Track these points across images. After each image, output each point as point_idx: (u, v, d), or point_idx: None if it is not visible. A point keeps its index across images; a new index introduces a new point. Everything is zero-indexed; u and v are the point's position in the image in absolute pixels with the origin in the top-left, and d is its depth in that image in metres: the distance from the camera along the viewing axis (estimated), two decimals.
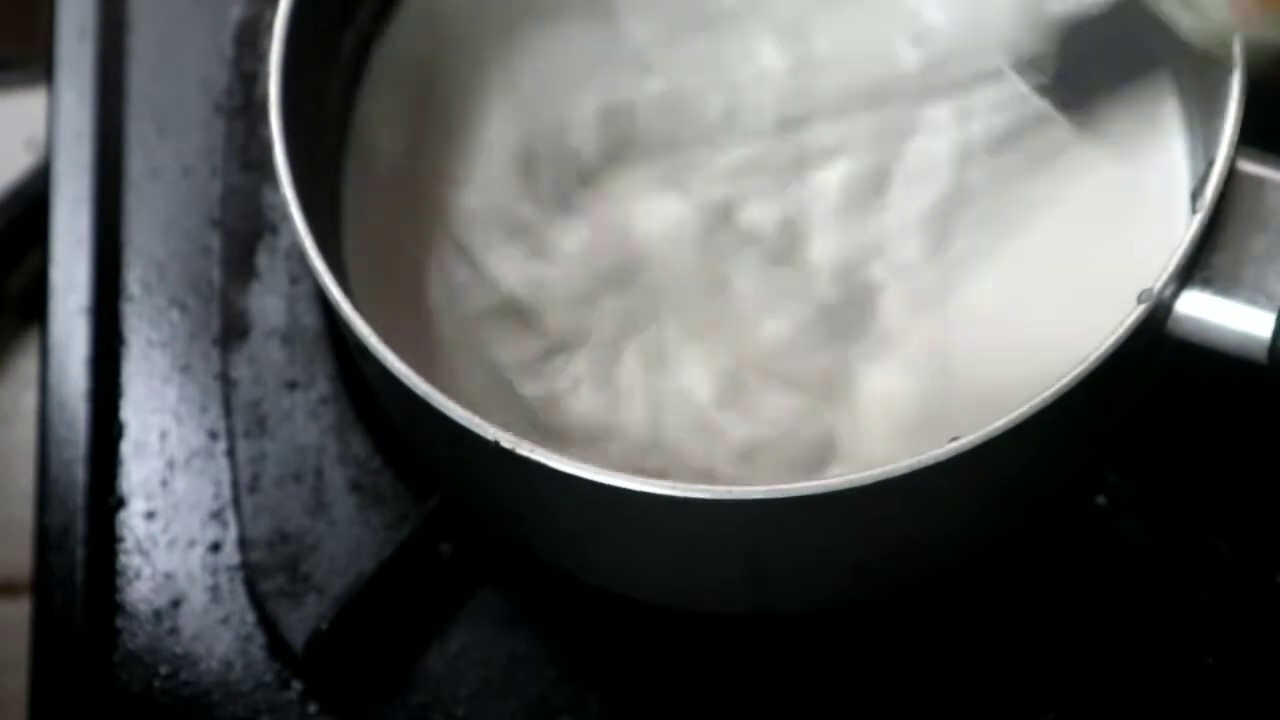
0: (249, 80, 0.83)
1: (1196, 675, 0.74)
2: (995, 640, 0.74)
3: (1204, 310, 0.65)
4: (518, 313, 0.72)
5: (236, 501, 0.77)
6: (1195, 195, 0.65)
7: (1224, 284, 0.64)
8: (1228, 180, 0.64)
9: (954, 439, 0.61)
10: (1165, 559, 0.74)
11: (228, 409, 0.79)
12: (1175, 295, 0.64)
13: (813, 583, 0.71)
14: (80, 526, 0.78)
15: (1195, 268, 0.64)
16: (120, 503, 0.78)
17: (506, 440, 0.62)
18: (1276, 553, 0.75)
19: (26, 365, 0.93)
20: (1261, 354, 0.64)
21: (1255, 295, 0.64)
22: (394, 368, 0.63)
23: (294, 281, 0.80)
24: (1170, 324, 0.65)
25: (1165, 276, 0.63)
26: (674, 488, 0.61)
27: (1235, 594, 0.74)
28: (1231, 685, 0.74)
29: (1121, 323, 0.63)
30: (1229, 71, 0.65)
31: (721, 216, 0.73)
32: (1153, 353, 0.67)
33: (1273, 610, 0.74)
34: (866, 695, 0.74)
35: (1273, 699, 0.73)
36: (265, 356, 0.79)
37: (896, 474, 0.61)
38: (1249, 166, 0.65)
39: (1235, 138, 0.65)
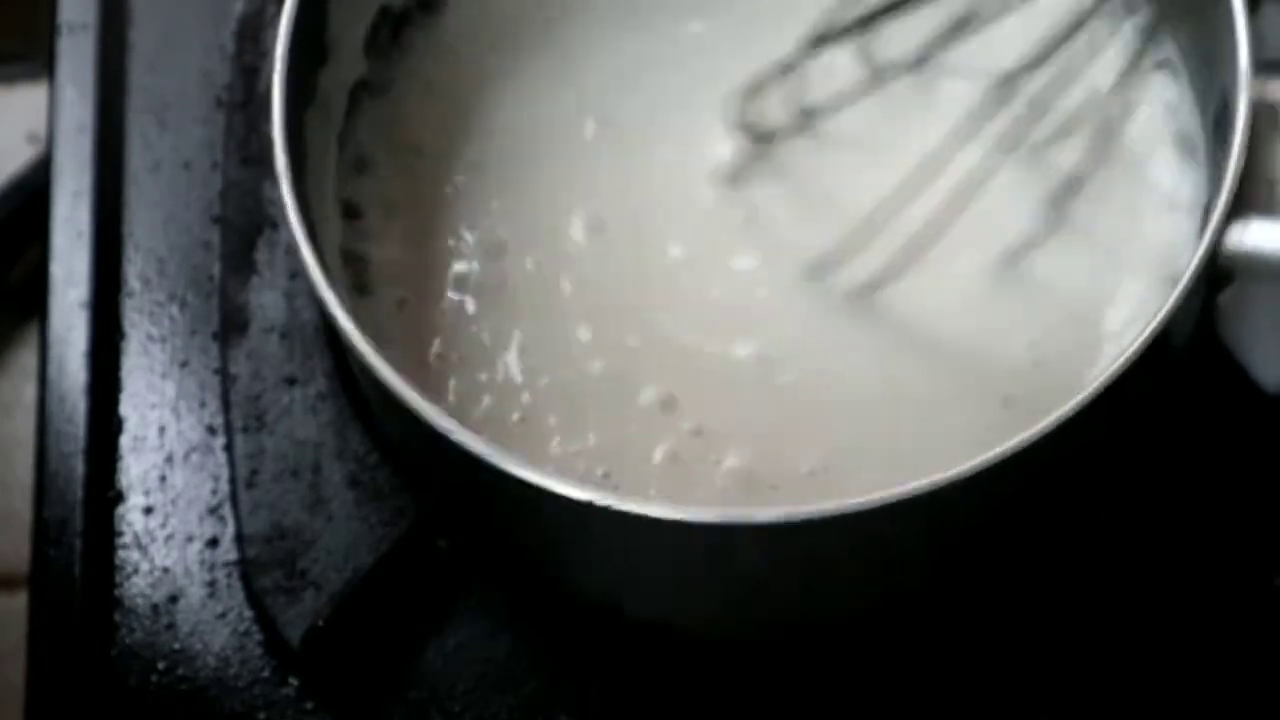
0: (250, 75, 0.83)
1: (1196, 676, 0.74)
2: (995, 642, 0.74)
3: (1257, 238, 0.65)
4: None
5: (234, 497, 0.77)
6: (1219, 126, 0.65)
7: (1268, 208, 0.65)
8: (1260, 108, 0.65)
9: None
10: (1163, 558, 0.74)
11: (226, 404, 0.79)
12: (1223, 231, 0.65)
13: (804, 606, 0.71)
14: (78, 520, 0.78)
15: (1238, 200, 0.65)
16: (119, 497, 0.78)
17: (486, 451, 0.62)
18: (1277, 553, 0.74)
19: (26, 358, 0.93)
20: None
21: None
22: (380, 374, 0.63)
23: (293, 277, 0.80)
24: (1224, 259, 0.65)
25: (1217, 216, 0.64)
26: (649, 507, 0.61)
27: (1235, 594, 0.74)
28: (1231, 685, 0.73)
29: (1188, 266, 0.63)
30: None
31: None
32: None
33: (1273, 610, 0.74)
34: (863, 703, 0.74)
35: (1273, 699, 0.73)
36: (264, 352, 0.79)
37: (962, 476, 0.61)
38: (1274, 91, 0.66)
39: (1250, 63, 0.65)
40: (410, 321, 0.73)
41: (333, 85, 0.75)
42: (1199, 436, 0.75)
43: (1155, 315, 0.63)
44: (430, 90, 0.77)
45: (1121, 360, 0.63)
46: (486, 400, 0.72)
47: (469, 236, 0.75)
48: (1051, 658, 0.74)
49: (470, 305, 0.73)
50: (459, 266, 0.74)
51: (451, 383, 0.72)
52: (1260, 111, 0.65)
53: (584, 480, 0.68)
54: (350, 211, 0.75)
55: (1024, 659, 0.74)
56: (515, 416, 0.71)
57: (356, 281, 0.74)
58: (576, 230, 0.74)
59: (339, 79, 0.75)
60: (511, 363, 0.72)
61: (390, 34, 0.77)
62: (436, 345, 0.73)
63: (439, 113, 0.77)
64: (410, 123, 0.76)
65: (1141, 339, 0.63)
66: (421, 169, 0.76)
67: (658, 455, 0.70)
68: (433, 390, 0.71)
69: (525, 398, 0.72)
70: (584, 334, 0.73)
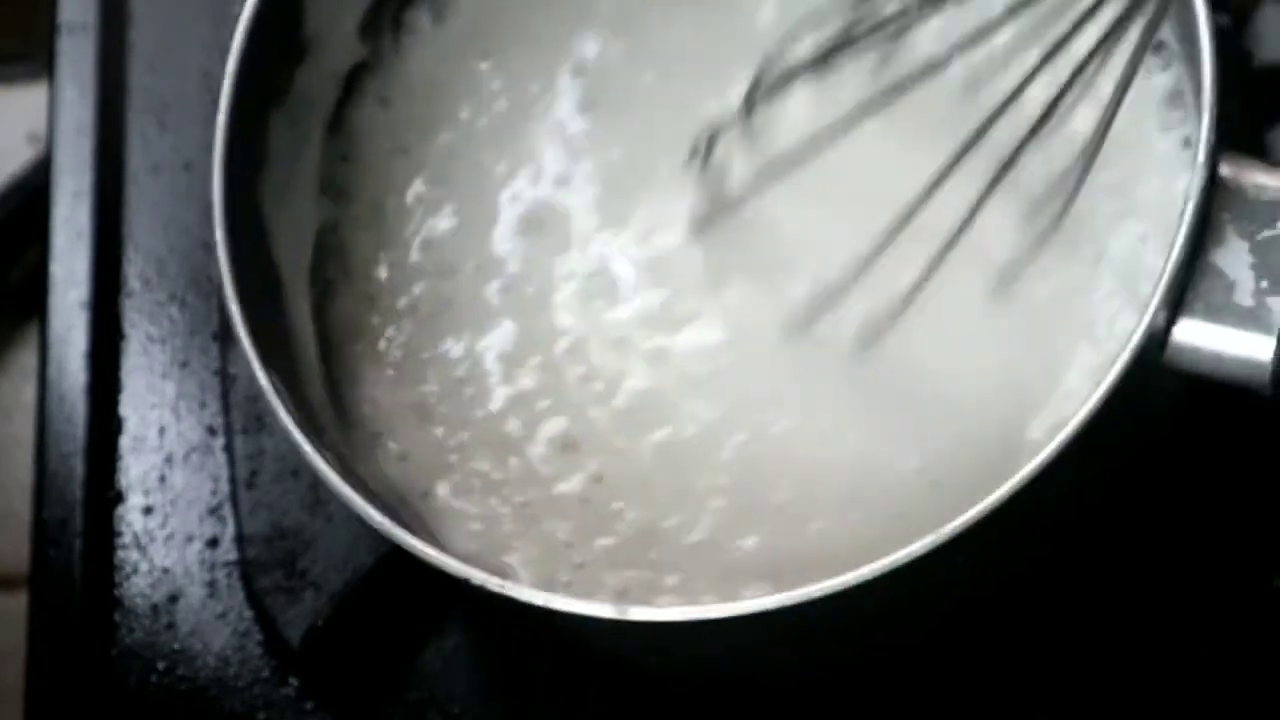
0: None
1: (1196, 676, 0.74)
2: (994, 641, 0.74)
3: (1200, 338, 0.61)
4: None
5: (234, 497, 0.77)
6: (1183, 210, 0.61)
7: (1217, 309, 0.61)
8: (1210, 189, 0.60)
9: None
10: (1163, 560, 0.74)
11: (226, 405, 0.79)
12: (1170, 323, 0.61)
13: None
14: (78, 521, 0.78)
15: (1185, 291, 0.61)
16: (118, 497, 0.79)
17: (395, 535, 0.63)
18: (1276, 554, 0.74)
19: (26, 358, 0.93)
20: (1264, 381, 0.61)
21: (1250, 319, 0.60)
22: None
23: None
24: (1167, 356, 0.62)
25: (1155, 302, 0.60)
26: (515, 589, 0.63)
27: (1234, 596, 0.74)
28: (1231, 685, 0.73)
29: (1118, 356, 0.60)
30: (1199, 76, 0.62)
31: None
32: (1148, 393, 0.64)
33: (1273, 611, 0.74)
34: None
35: (1273, 699, 0.73)
36: None
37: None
38: (1230, 171, 0.61)
39: (1212, 145, 0.60)
40: (380, 315, 0.72)
41: (316, 80, 0.73)
42: (1197, 437, 0.75)
43: (1084, 405, 0.60)
44: (424, 83, 0.76)
45: (1041, 457, 0.59)
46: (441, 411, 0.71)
47: (422, 244, 0.73)
48: (1052, 658, 0.74)
49: (410, 323, 0.72)
50: (415, 279, 0.73)
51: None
52: (1219, 198, 0.60)
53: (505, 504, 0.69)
54: (341, 196, 0.74)
55: (1024, 657, 0.74)
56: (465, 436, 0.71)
57: (341, 267, 0.73)
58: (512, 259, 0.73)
59: (326, 71, 0.74)
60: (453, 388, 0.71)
61: (393, 18, 0.76)
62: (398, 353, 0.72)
63: (427, 101, 0.75)
64: (406, 113, 0.76)
65: (1067, 432, 0.60)
66: (404, 159, 0.75)
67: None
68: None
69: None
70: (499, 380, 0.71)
